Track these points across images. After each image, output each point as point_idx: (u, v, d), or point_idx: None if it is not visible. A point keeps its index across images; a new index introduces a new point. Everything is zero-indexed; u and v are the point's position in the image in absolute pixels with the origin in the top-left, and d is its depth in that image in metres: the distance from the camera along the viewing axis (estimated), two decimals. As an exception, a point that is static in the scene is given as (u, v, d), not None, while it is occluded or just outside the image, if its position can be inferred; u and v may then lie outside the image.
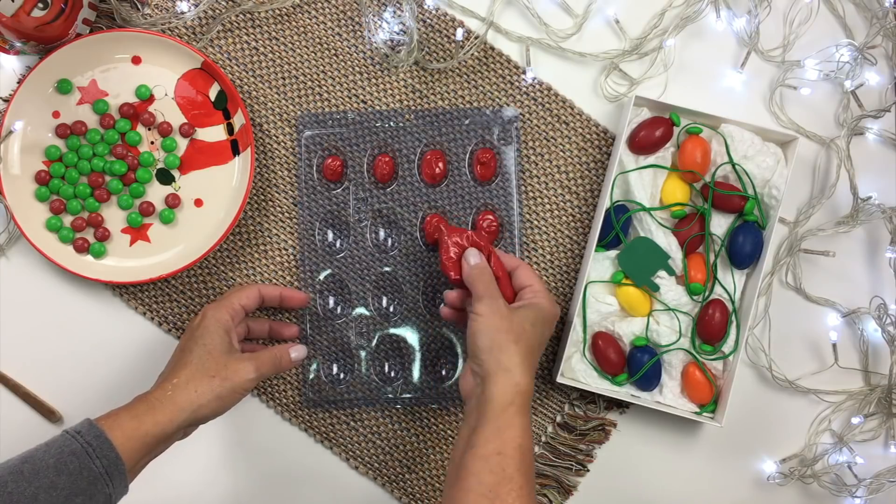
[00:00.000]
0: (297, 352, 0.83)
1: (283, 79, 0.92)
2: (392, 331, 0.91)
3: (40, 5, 0.82)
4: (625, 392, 0.89)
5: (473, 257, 0.79)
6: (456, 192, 0.91)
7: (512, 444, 0.71)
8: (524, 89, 0.92)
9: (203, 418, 0.75)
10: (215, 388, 0.75)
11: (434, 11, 0.91)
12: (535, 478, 0.78)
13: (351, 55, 0.92)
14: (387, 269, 0.91)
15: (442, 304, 0.84)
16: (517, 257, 0.87)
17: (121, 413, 0.73)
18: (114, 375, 0.91)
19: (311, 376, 0.91)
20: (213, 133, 0.90)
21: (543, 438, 0.93)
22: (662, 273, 0.88)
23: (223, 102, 0.90)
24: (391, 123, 0.91)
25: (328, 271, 0.91)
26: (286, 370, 0.85)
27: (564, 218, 0.93)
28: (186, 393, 0.74)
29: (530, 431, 0.72)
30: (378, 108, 0.92)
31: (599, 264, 0.90)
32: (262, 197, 0.92)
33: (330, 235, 0.91)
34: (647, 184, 0.89)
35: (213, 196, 0.90)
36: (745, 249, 0.87)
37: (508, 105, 0.92)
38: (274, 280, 0.92)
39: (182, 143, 0.90)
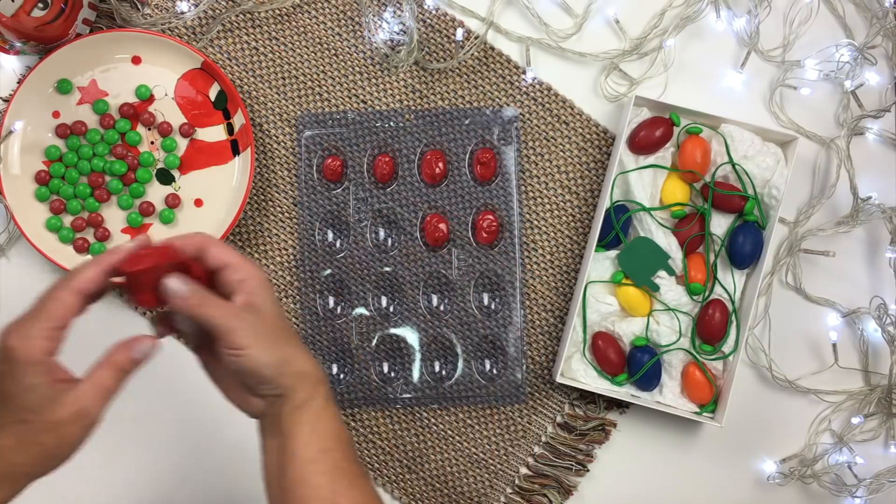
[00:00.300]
0: (140, 350, 0.64)
1: (283, 79, 0.92)
2: (392, 331, 0.91)
3: (40, 5, 0.82)
4: (625, 392, 0.89)
5: (178, 283, 0.63)
6: (456, 192, 0.91)
7: (332, 437, 0.65)
8: (524, 89, 0.92)
9: (48, 473, 0.63)
10: (48, 451, 0.61)
11: (434, 11, 0.91)
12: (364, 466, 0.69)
13: (351, 55, 0.92)
14: (387, 269, 0.91)
15: (154, 323, 0.68)
16: (197, 233, 0.67)
17: None
18: (114, 375, 0.91)
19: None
20: (213, 133, 0.90)
21: (543, 438, 0.93)
22: (662, 273, 0.88)
23: (223, 102, 0.90)
24: (391, 123, 0.91)
25: (328, 271, 0.91)
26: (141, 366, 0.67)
27: (564, 218, 0.92)
28: (15, 465, 0.60)
29: (341, 418, 0.66)
30: (378, 108, 0.91)
31: (599, 264, 0.90)
32: (262, 197, 0.92)
33: (330, 235, 0.91)
34: (647, 184, 0.89)
35: (213, 196, 0.90)
36: (745, 249, 0.87)
37: (508, 105, 0.92)
38: (274, 280, 0.91)
39: (182, 143, 0.90)
